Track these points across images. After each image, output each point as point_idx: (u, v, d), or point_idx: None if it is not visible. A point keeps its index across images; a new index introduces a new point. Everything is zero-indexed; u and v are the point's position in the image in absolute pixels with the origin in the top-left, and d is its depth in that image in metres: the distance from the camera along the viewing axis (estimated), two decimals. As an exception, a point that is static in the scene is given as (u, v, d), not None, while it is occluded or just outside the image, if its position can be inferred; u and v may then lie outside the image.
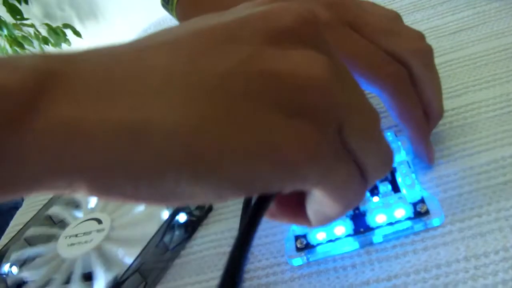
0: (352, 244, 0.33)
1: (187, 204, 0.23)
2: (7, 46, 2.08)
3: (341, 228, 0.33)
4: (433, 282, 0.29)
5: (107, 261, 0.38)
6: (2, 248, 0.43)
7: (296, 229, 0.34)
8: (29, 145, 0.18)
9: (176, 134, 0.19)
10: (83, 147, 0.19)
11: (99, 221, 0.40)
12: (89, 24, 2.23)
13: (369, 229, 0.33)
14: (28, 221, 0.45)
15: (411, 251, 0.31)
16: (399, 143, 0.36)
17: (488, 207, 0.32)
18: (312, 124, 0.21)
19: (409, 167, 0.34)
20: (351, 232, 0.33)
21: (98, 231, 0.39)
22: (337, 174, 0.23)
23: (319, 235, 0.33)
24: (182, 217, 0.40)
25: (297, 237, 0.34)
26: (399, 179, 0.34)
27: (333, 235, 0.33)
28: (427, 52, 0.35)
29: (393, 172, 0.35)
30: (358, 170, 0.24)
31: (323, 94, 0.22)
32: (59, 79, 0.19)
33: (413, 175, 0.34)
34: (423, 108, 0.35)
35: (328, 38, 0.25)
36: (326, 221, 0.26)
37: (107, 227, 0.39)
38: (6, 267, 0.41)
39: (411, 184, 0.33)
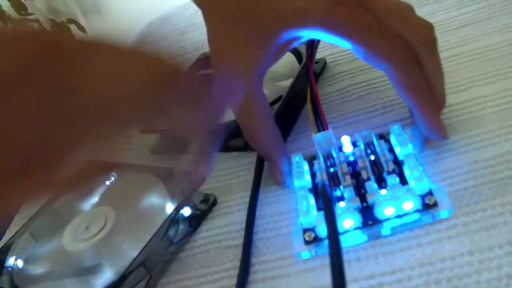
0: (360, 237, 0.33)
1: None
2: (12, 41, 2.08)
3: (350, 221, 0.33)
4: (437, 276, 0.29)
5: (113, 254, 0.38)
6: (7, 242, 0.43)
7: (304, 222, 0.34)
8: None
9: None
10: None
11: (104, 215, 0.40)
12: (93, 19, 2.23)
13: (377, 221, 0.33)
14: (34, 214, 0.45)
15: (415, 244, 0.31)
16: (407, 136, 0.36)
17: (492, 201, 0.32)
18: None
19: (417, 160, 0.34)
20: (359, 225, 0.33)
21: (103, 224, 0.39)
22: None
23: (327, 228, 0.33)
24: (186, 211, 0.40)
25: (305, 230, 0.34)
26: (406, 172, 0.34)
27: (341, 227, 0.33)
28: (432, 40, 0.35)
29: (400, 165, 0.35)
30: None
31: None
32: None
33: (421, 168, 0.33)
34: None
35: (341, 13, 0.34)
36: None
37: (112, 220, 0.39)
38: (11, 260, 0.41)
39: (419, 177, 0.33)
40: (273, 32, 0.37)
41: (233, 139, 0.46)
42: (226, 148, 0.47)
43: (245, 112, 0.39)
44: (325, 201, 0.33)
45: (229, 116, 0.44)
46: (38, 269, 0.40)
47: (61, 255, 0.39)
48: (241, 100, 0.38)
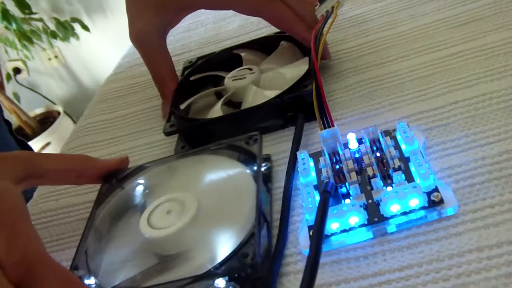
0: (365, 234, 0.33)
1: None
2: (16, 40, 2.09)
3: (355, 218, 0.32)
4: (446, 273, 0.29)
5: (189, 247, 0.36)
6: (128, 173, 0.45)
7: (309, 219, 0.34)
8: None
9: None
10: None
11: (182, 203, 0.38)
12: (97, 18, 2.23)
13: (383, 218, 0.33)
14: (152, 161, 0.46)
15: (423, 241, 0.31)
16: (412, 133, 0.36)
17: (500, 198, 0.32)
18: None
19: (423, 156, 0.34)
20: (365, 222, 0.33)
21: (181, 213, 0.37)
22: None
23: (333, 225, 0.33)
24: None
25: (310, 227, 0.34)
26: (412, 169, 0.34)
27: (347, 224, 0.33)
28: None
29: (406, 162, 0.35)
30: None
31: None
32: None
33: (427, 165, 0.33)
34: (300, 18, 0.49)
35: None
36: None
37: (193, 210, 0.37)
38: (131, 182, 0.43)
39: (425, 174, 0.33)
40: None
41: (269, 120, 0.47)
42: (264, 129, 0.47)
43: (152, 57, 0.55)
44: (320, 206, 0.32)
45: (262, 98, 0.46)
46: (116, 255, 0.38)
47: (138, 242, 0.37)
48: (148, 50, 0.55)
